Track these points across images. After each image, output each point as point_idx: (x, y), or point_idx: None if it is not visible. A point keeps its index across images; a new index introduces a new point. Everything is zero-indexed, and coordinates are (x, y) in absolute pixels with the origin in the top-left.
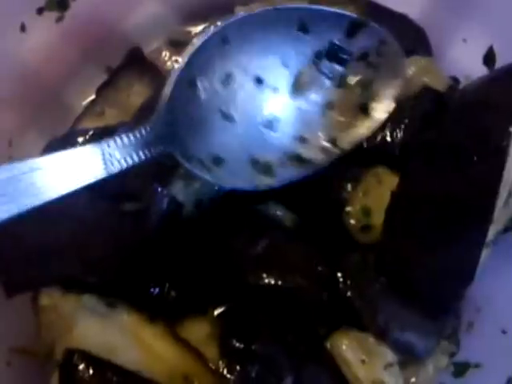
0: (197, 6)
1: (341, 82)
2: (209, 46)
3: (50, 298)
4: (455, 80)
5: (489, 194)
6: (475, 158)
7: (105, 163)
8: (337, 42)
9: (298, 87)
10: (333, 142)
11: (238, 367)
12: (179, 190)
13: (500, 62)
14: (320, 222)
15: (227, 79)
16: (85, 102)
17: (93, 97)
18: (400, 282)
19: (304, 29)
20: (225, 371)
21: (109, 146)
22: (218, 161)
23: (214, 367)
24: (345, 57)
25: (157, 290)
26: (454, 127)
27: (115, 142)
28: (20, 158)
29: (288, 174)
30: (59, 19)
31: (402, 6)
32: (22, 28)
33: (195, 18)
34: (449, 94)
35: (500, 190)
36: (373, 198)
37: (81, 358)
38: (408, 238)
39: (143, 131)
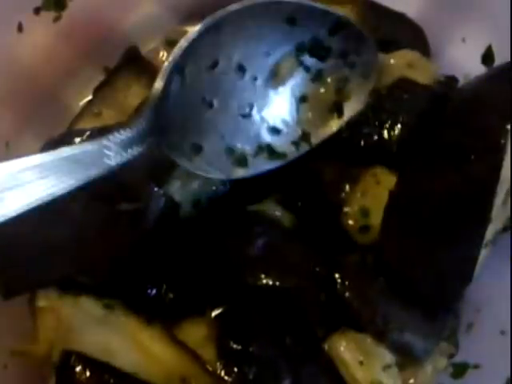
0: (193, 5)
1: (317, 77)
2: (202, 35)
3: (46, 299)
4: (454, 79)
5: (486, 193)
6: (473, 157)
7: (102, 159)
8: (320, 38)
9: (276, 77)
10: (303, 136)
11: (235, 369)
12: (176, 190)
13: (498, 61)
14: (318, 223)
15: (213, 66)
16: (82, 103)
17: (90, 97)
18: (399, 283)
19: (291, 22)
20: (222, 373)
21: (107, 141)
22: (197, 149)
23: (211, 369)
24: (325, 53)
25: (154, 291)
26: (452, 126)
27: (113, 136)
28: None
29: (260, 165)
30: (56, 19)
31: (400, 4)
32: (19, 28)
33: (192, 18)
34: (445, 93)
35: (498, 188)
36: (371, 198)
37: (78, 360)
38: (406, 238)
39: (137, 125)
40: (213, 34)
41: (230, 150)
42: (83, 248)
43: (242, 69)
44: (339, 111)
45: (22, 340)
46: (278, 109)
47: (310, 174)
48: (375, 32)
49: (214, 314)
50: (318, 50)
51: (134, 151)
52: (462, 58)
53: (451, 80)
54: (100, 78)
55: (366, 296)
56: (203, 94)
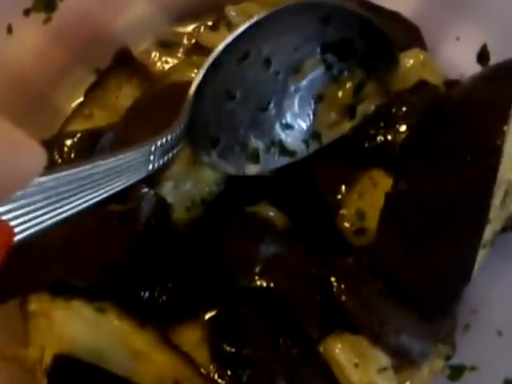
0: (186, 6)
1: (337, 77)
2: (244, 32)
3: (38, 303)
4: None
5: (483, 194)
6: (469, 158)
7: (145, 166)
8: (348, 39)
9: (297, 73)
10: (315, 135)
11: (228, 372)
12: (169, 191)
13: (494, 60)
14: (313, 225)
15: (243, 58)
16: (73, 104)
17: (81, 99)
18: (395, 285)
19: (325, 21)
20: (215, 376)
21: (153, 147)
22: (215, 142)
23: (205, 372)
24: (349, 55)
25: (147, 293)
26: (448, 127)
27: (157, 142)
28: None
29: (271, 161)
30: (46, 20)
31: (395, 3)
32: (9, 30)
33: (184, 19)
34: (444, 93)
35: (495, 189)
36: (368, 200)
37: (70, 364)
38: (402, 240)
39: (177, 126)
40: (252, 28)
41: (244, 145)
42: (74, 250)
43: (268, 62)
44: (352, 113)
45: (14, 344)
46: (293, 105)
47: (306, 174)
48: None
49: (207, 316)
50: (344, 51)
51: (174, 153)
52: (457, 57)
53: (453, 81)
54: (91, 79)
55: (361, 299)
56: (228, 86)
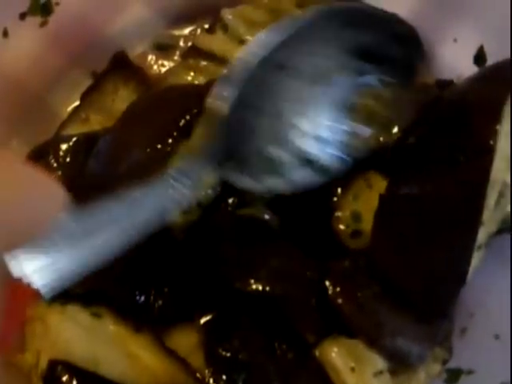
0: (182, 9)
1: (370, 86)
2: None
3: (34, 308)
4: (447, 81)
5: (476, 195)
6: (462, 158)
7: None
8: (382, 45)
9: (327, 82)
10: (347, 148)
11: (224, 376)
12: None
13: (490, 62)
14: (309, 227)
15: (273, 69)
16: (70, 108)
17: (77, 102)
18: (391, 288)
19: (356, 26)
20: (211, 380)
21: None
22: (229, 152)
23: (201, 377)
24: (383, 63)
25: (142, 298)
26: (441, 128)
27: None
28: None
29: (297, 176)
30: (43, 24)
31: (392, 5)
32: (5, 33)
33: (181, 21)
34: (440, 94)
35: (488, 190)
36: (363, 202)
37: (65, 370)
38: (397, 242)
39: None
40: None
41: (267, 158)
42: None
43: (296, 70)
44: (386, 126)
45: (9, 350)
46: (322, 116)
47: None
48: None
49: (202, 320)
50: (376, 57)
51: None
52: (454, 59)
53: (447, 81)
54: (88, 82)
55: (357, 302)
56: (255, 98)
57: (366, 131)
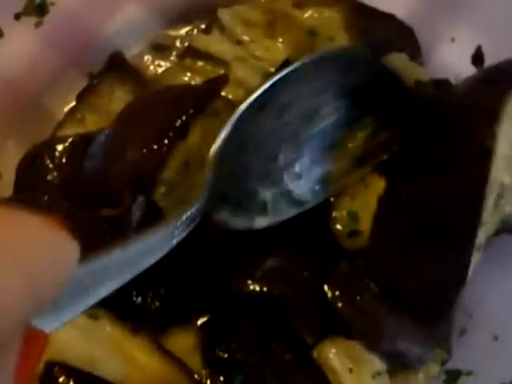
0: (179, 9)
1: (350, 125)
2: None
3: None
4: (447, 82)
5: (475, 197)
6: (461, 159)
7: (170, 241)
8: (365, 88)
9: (311, 121)
10: (324, 184)
11: (221, 378)
12: (161, 196)
13: (488, 62)
14: (306, 228)
15: (260, 109)
16: (66, 109)
17: (74, 103)
18: (391, 290)
19: (345, 70)
20: (208, 382)
21: (179, 222)
22: (225, 197)
23: (198, 378)
24: (366, 104)
25: (139, 299)
26: (440, 129)
27: (181, 216)
28: None
29: (279, 213)
30: (38, 24)
31: (389, 5)
32: (0, 34)
33: (177, 22)
34: (438, 95)
35: (487, 191)
36: (360, 202)
37: (61, 371)
38: (396, 244)
39: (201, 197)
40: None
41: (253, 197)
42: None
43: (282, 111)
44: (362, 163)
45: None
46: (303, 155)
47: None
48: (364, 34)
49: (199, 322)
50: (359, 98)
51: (195, 223)
52: (452, 59)
53: (445, 82)
54: (84, 83)
55: (357, 305)
56: (242, 138)
57: (341, 167)
